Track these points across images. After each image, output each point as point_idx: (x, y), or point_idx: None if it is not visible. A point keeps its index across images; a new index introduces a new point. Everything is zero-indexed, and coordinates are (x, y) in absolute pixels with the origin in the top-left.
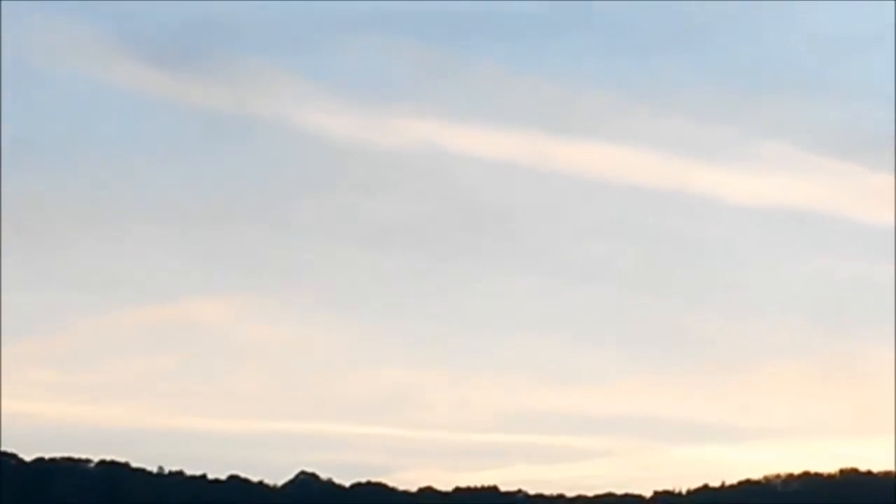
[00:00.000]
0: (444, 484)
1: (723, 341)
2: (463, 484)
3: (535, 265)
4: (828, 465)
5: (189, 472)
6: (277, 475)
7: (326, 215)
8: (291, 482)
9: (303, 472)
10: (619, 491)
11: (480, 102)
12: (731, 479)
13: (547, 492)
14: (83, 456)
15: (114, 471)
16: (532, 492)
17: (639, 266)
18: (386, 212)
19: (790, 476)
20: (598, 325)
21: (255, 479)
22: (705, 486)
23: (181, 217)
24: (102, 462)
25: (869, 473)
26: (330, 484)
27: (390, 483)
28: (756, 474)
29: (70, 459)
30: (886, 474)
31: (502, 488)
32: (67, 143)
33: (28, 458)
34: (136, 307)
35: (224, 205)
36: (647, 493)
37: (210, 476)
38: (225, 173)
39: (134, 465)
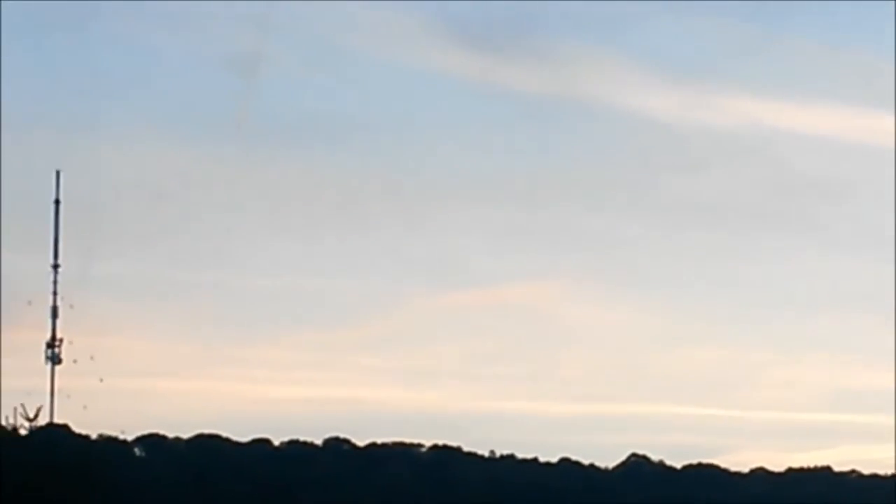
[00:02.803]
0: (776, 465)
1: None
2: (795, 465)
3: (865, 242)
4: None
5: (520, 455)
6: (608, 458)
7: (646, 196)
8: (622, 464)
9: (634, 455)
10: None
11: (802, 77)
12: None
13: (882, 472)
14: (415, 440)
15: (445, 455)
16: (866, 472)
17: None
18: (707, 190)
19: None
20: None
21: (585, 461)
22: None
23: (502, 201)
24: (434, 446)
25: None
26: (661, 466)
27: (722, 464)
28: None
29: (402, 444)
30: None
31: (835, 469)
32: (389, 129)
33: (361, 443)
34: (461, 291)
35: (545, 188)
36: None
37: (541, 459)
38: (545, 156)
39: (465, 449)
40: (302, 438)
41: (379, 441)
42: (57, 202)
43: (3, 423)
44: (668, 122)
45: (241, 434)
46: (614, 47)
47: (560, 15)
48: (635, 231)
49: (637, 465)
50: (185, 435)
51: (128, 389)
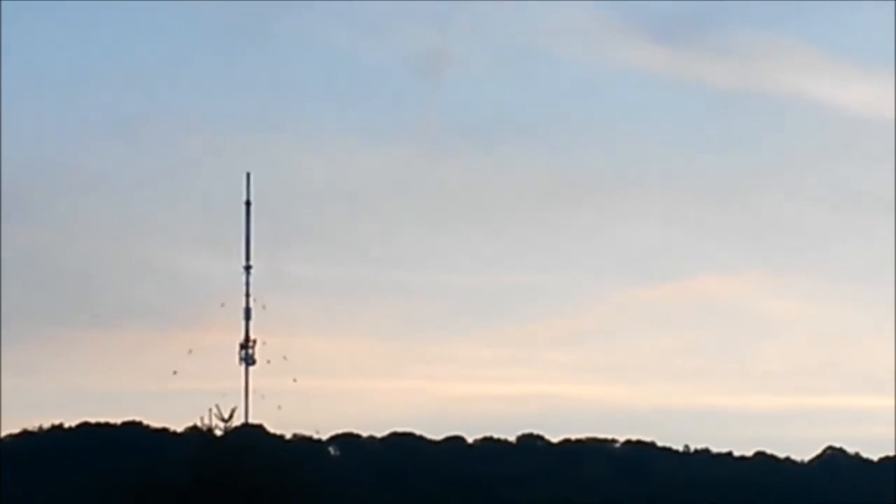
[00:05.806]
0: None
1: None
2: None
3: None
4: None
5: (714, 449)
6: (804, 451)
7: (838, 188)
8: (818, 458)
9: (830, 448)
10: None
11: None
12: None
13: None
14: (609, 436)
15: (640, 451)
16: None
17: None
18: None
19: None
20: None
21: (780, 455)
22: None
23: (693, 194)
24: (629, 442)
25: None
26: (857, 458)
27: None
28: None
29: (596, 440)
30: None
31: None
32: (579, 126)
33: (555, 439)
34: (655, 285)
35: (736, 181)
36: None
37: (736, 453)
38: (735, 149)
39: (660, 444)
40: (496, 436)
41: (573, 437)
42: (248, 204)
43: (199, 424)
44: (859, 113)
45: (435, 432)
46: (804, 39)
47: (750, 7)
48: (830, 222)
49: (833, 458)
50: (380, 434)
51: (321, 389)
